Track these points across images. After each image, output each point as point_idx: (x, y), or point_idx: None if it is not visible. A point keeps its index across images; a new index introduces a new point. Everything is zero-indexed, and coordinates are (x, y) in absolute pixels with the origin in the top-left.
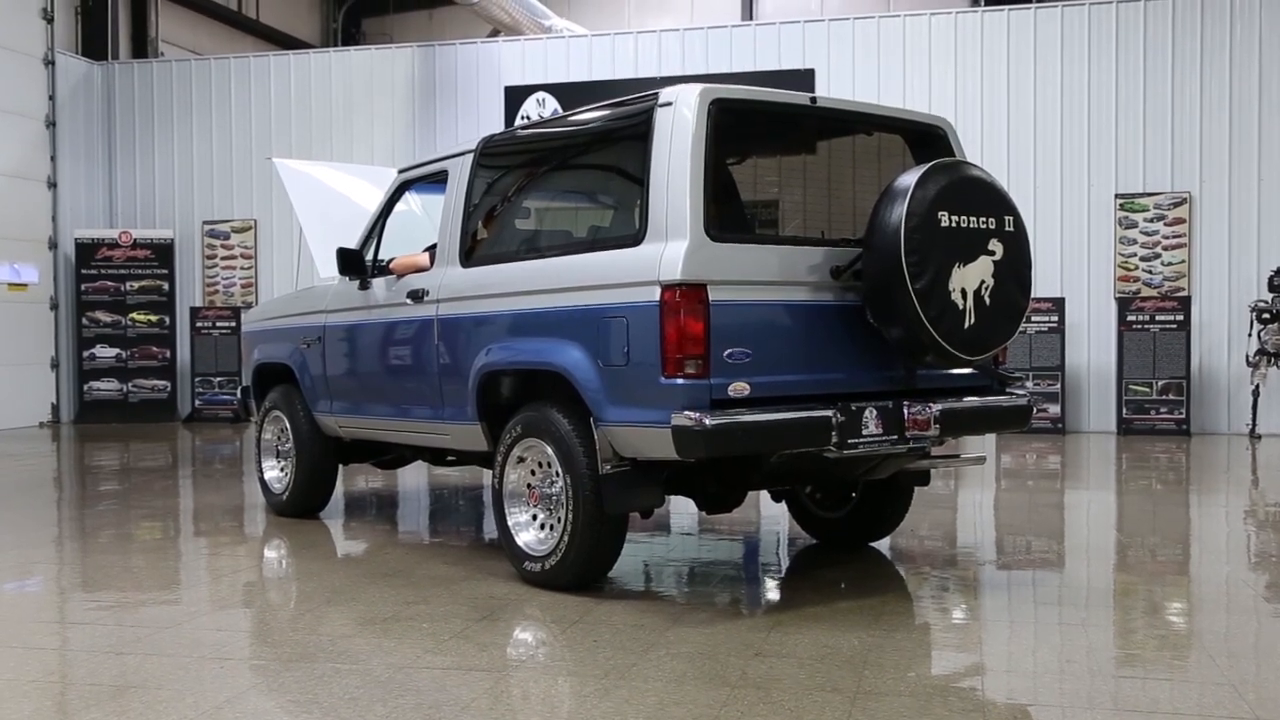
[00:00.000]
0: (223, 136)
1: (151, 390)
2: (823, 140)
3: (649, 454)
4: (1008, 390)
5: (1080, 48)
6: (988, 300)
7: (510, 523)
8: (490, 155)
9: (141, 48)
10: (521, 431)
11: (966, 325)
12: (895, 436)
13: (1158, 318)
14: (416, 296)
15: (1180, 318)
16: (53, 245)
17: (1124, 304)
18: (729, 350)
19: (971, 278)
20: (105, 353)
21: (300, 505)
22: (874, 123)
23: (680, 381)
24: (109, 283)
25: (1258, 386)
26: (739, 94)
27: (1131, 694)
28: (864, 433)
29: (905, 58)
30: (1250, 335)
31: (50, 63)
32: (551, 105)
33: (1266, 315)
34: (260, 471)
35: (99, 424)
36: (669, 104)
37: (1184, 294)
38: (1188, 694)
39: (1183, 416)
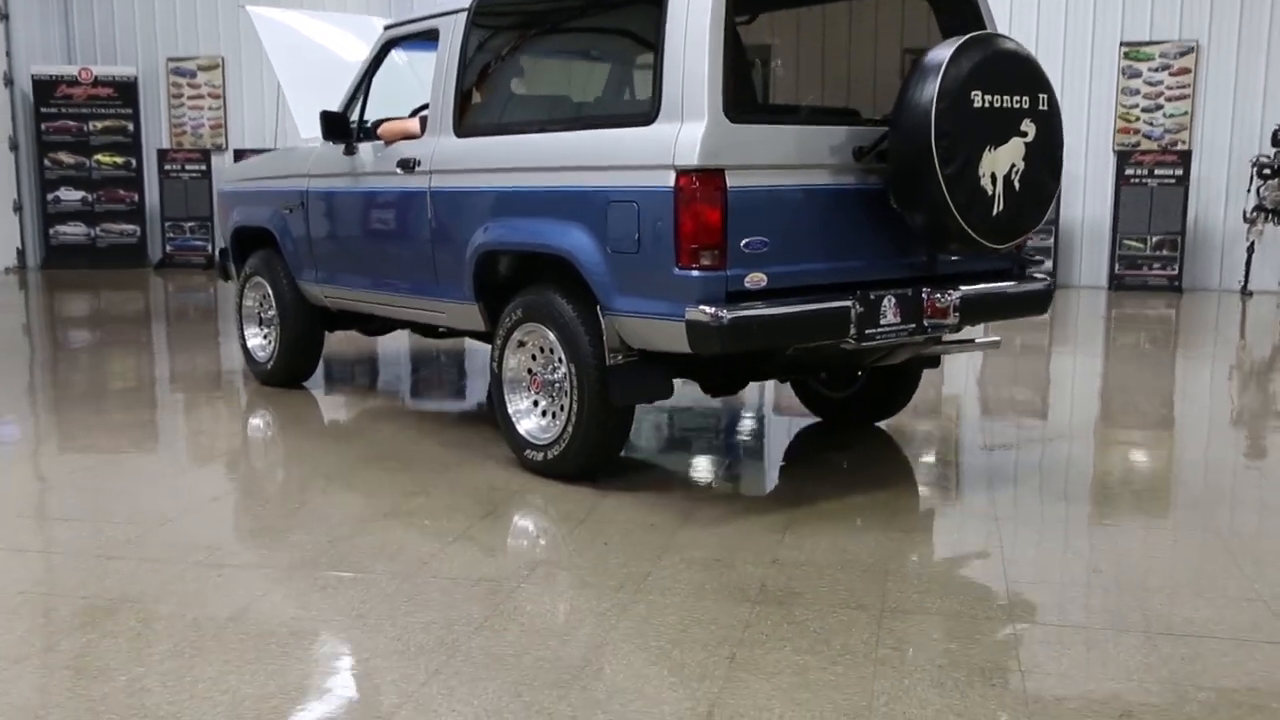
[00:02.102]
0: None
1: (120, 235)
2: (846, 5)
3: (659, 346)
4: (1027, 273)
5: None
6: (1017, 185)
7: (510, 410)
8: (486, 14)
9: None
10: (522, 315)
11: (995, 212)
12: (914, 325)
13: (1156, 171)
14: (407, 166)
15: (1179, 172)
16: (8, 82)
17: (1123, 157)
18: (746, 240)
19: (1002, 161)
20: (70, 195)
21: (285, 374)
22: None
23: (695, 273)
24: (70, 122)
25: (1253, 243)
26: None
27: (1161, 611)
28: (882, 322)
29: None
30: (1249, 191)
31: None
32: None
33: (1267, 170)
34: (243, 339)
35: (67, 269)
36: None
37: (1184, 148)
38: (1222, 612)
39: (1175, 273)
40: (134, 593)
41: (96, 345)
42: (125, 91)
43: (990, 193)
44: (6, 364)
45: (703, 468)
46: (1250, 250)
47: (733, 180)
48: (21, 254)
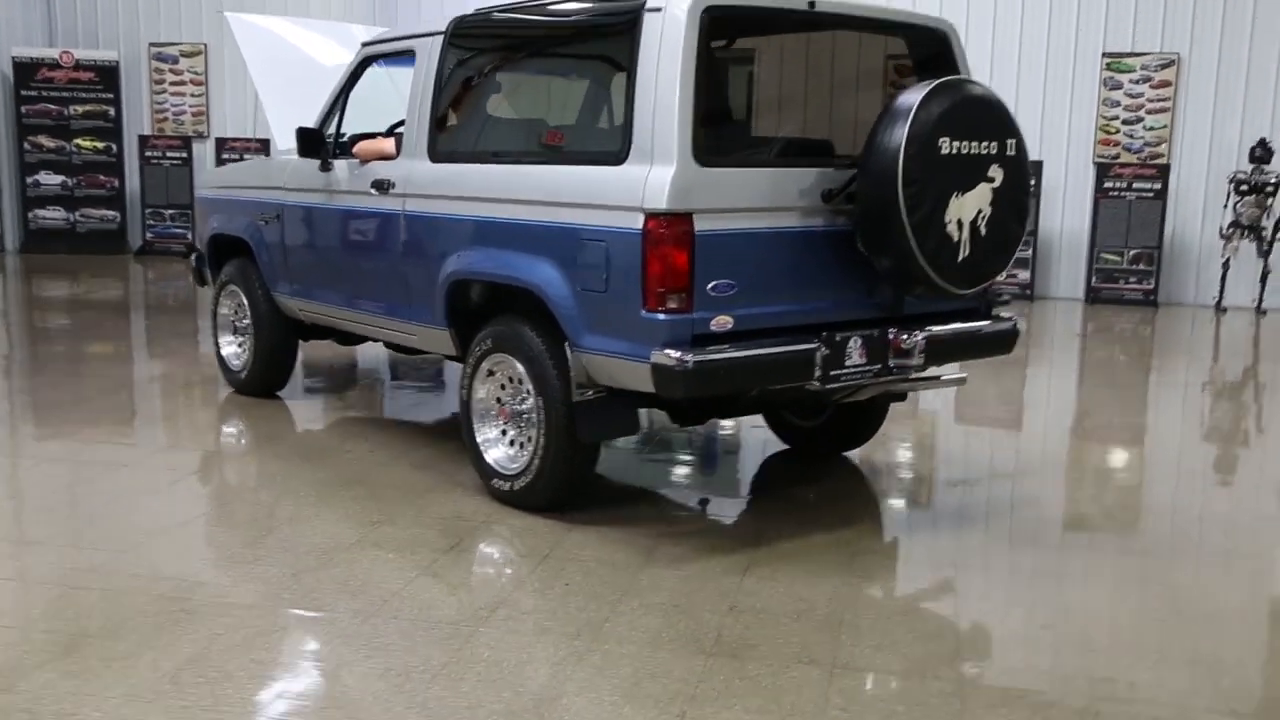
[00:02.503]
0: None
1: (100, 220)
2: (819, 47)
3: (626, 385)
4: (994, 313)
5: None
6: (983, 230)
7: (479, 438)
8: (461, 38)
9: None
10: (492, 346)
11: (960, 258)
12: (879, 366)
13: (1135, 185)
14: (382, 187)
15: (1158, 186)
16: None
17: (1102, 170)
18: (713, 283)
19: (969, 207)
20: (50, 179)
21: (260, 384)
22: (875, 26)
23: (661, 316)
24: (51, 106)
25: (1228, 260)
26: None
27: (1105, 674)
28: (847, 364)
29: None
30: (1226, 207)
31: None
32: None
33: (1244, 187)
34: (217, 347)
35: (46, 254)
36: (658, 9)
37: (1163, 161)
38: (1163, 677)
39: (1151, 287)
40: (95, 628)
41: (73, 343)
42: (107, 76)
43: (956, 239)
44: None
45: (669, 499)
46: (1226, 266)
47: (701, 224)
48: (0, 237)
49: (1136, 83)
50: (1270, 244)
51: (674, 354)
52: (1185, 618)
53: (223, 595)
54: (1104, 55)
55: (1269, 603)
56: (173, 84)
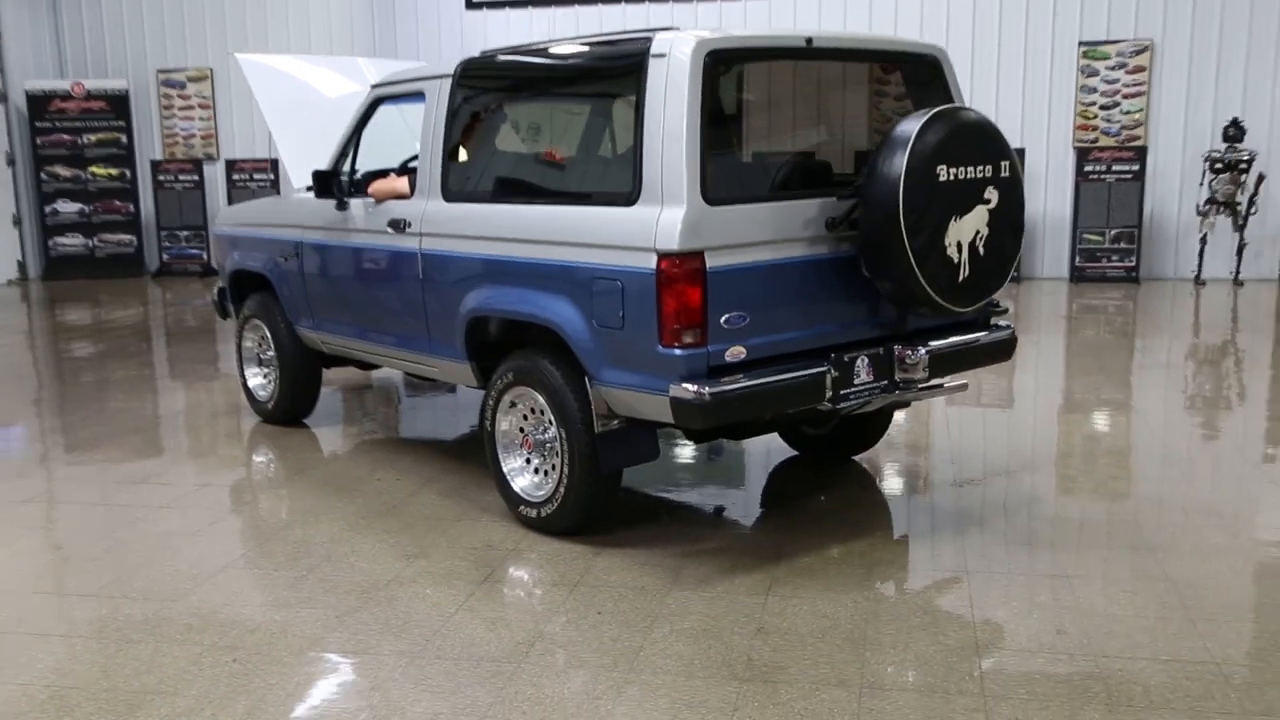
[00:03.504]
0: None
1: (118, 245)
2: (817, 79)
3: (646, 416)
4: (992, 323)
5: None
6: (982, 250)
7: (505, 468)
8: (470, 80)
9: None
10: (513, 379)
11: (960, 278)
12: (886, 382)
13: (1114, 168)
14: (398, 226)
15: (1135, 168)
16: (2, 98)
17: (1082, 154)
18: (726, 316)
19: (967, 229)
20: (67, 208)
21: (286, 413)
22: (868, 57)
23: (678, 351)
24: (65, 136)
25: (1205, 235)
26: (734, 41)
27: (1121, 679)
28: (856, 382)
29: None
30: (1201, 185)
31: None
32: None
33: (1219, 165)
34: (243, 379)
35: (67, 280)
36: (662, 55)
37: (1140, 144)
38: (1177, 679)
39: (1133, 264)
40: (153, 683)
41: (101, 373)
42: (117, 104)
43: (956, 260)
44: (11, 400)
45: (689, 514)
46: (1203, 242)
47: (712, 261)
48: (22, 266)
49: (1112, 69)
50: (1245, 218)
51: (692, 387)
52: (1191, 614)
53: (272, 643)
54: (1080, 44)
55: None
56: (181, 109)
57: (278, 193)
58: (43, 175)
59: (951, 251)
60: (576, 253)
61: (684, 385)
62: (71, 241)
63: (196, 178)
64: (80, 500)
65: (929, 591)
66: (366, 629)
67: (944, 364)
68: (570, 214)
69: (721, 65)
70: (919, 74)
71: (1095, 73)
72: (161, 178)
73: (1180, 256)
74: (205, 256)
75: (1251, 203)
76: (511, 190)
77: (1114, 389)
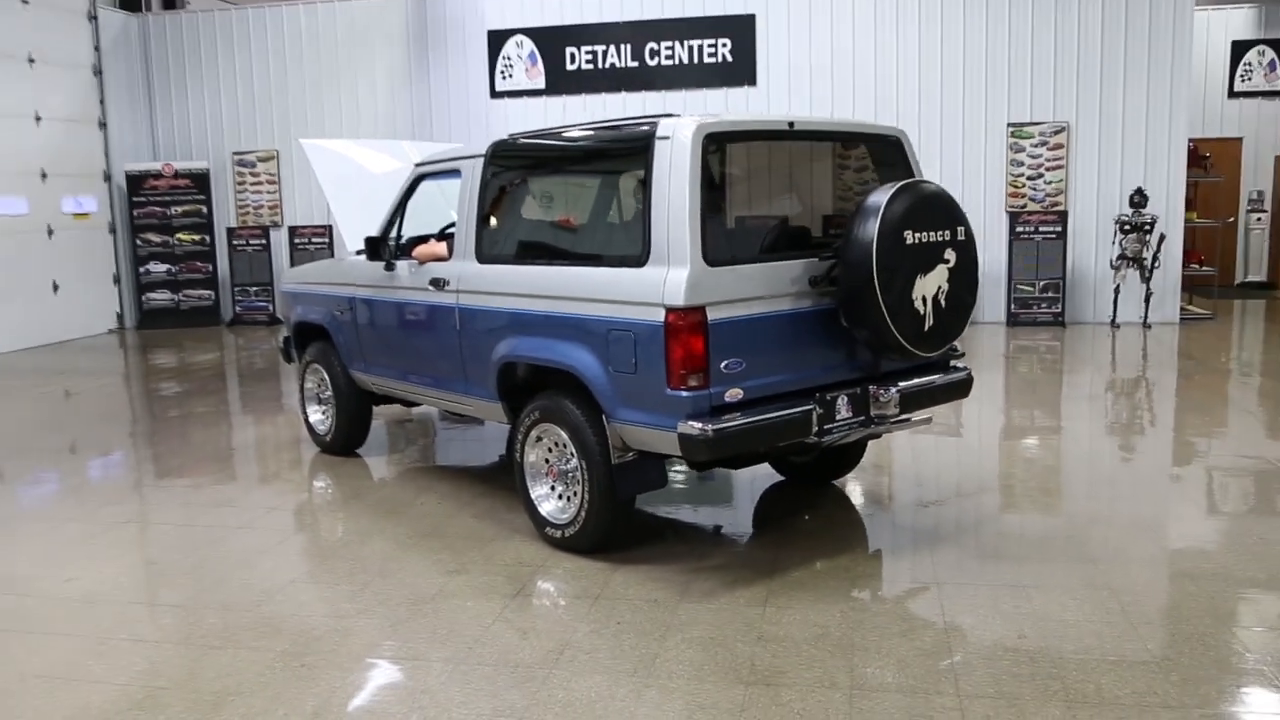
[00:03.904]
0: (244, 78)
1: (199, 299)
2: (797, 155)
3: (657, 449)
4: (952, 364)
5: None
6: (943, 303)
7: (533, 494)
8: (499, 159)
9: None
10: (539, 417)
11: (926, 328)
12: (863, 417)
13: (1041, 228)
14: (438, 284)
15: (1059, 229)
16: (107, 178)
17: (1014, 217)
18: (725, 362)
19: (930, 285)
20: (157, 268)
21: (342, 445)
22: (842, 138)
23: (684, 393)
24: (156, 208)
25: (1118, 285)
26: (728, 125)
27: (1077, 678)
28: (837, 418)
29: (833, 6)
30: (1113, 243)
31: (93, 17)
32: (529, 46)
33: (1127, 226)
34: (305, 416)
35: (157, 329)
36: (666, 137)
37: (1062, 208)
38: (1124, 676)
39: (1059, 310)
40: (233, 685)
41: (184, 407)
42: (199, 181)
43: (922, 312)
44: (111, 432)
45: (692, 533)
46: (1116, 291)
47: (713, 314)
48: (120, 317)
49: (1036, 146)
50: (1150, 272)
51: (697, 424)
52: (1131, 618)
53: (334, 649)
54: (1009, 125)
55: None
56: (252, 184)
57: (334, 255)
58: (138, 241)
59: (918, 304)
60: (594, 307)
61: (690, 423)
62: (160, 297)
63: (264, 242)
64: (170, 521)
65: (904, 600)
66: (416, 637)
67: (912, 401)
68: (588, 274)
69: (716, 146)
70: (884, 152)
71: (1022, 149)
72: (235, 242)
73: (1098, 303)
74: (271, 308)
75: (1155, 258)
76: (536, 253)
77: (1048, 417)
